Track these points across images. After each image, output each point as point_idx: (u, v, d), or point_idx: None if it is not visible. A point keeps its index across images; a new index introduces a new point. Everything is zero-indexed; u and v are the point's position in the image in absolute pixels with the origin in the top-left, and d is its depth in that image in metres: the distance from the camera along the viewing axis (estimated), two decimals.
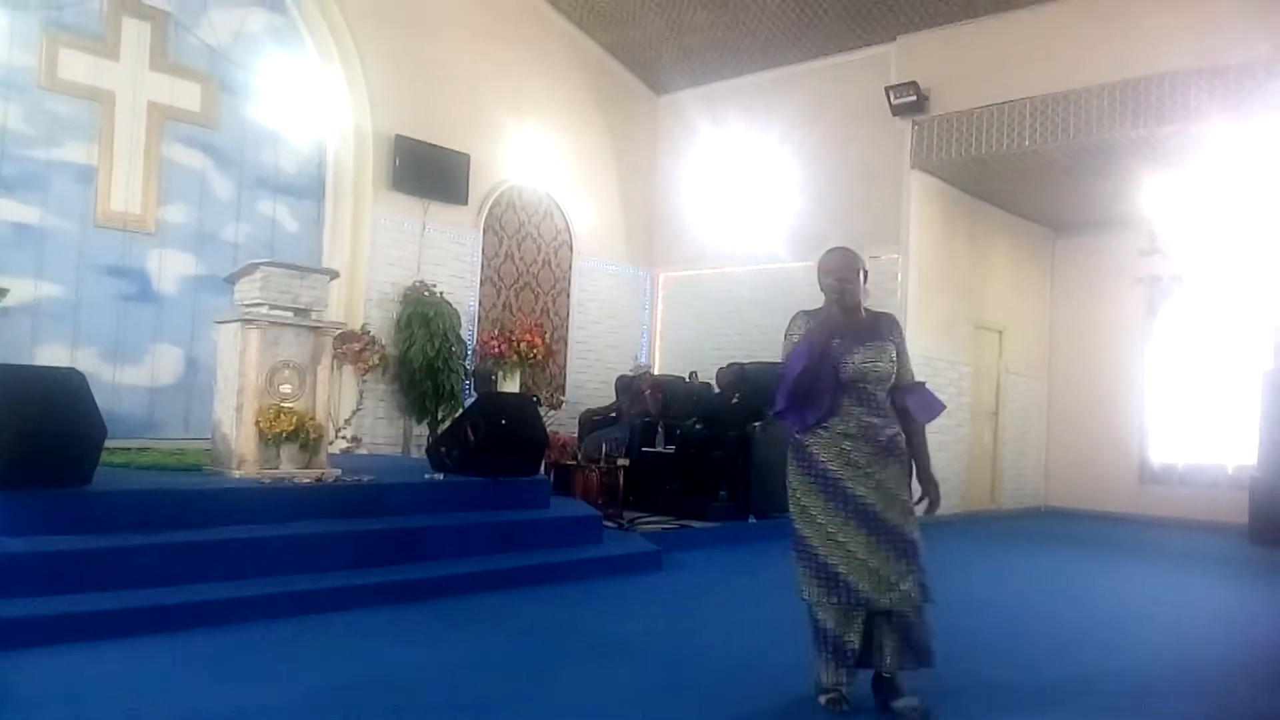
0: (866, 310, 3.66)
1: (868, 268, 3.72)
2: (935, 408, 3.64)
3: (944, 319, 10.83)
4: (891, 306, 10.20)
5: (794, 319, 3.63)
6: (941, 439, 10.77)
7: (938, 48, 10.06)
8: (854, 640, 3.46)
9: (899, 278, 10.29)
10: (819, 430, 3.50)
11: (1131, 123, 8.71)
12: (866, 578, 3.40)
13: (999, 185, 10.91)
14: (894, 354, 3.56)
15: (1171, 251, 11.38)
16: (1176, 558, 8.75)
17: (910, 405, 3.61)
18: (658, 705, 3.62)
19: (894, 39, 10.30)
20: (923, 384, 3.71)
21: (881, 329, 3.62)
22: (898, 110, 10.09)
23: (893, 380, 3.58)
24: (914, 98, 9.95)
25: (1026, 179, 10.54)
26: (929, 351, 10.53)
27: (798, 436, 3.56)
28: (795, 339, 3.56)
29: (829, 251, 3.63)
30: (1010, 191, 11.15)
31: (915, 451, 3.64)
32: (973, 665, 4.28)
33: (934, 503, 3.61)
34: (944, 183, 10.71)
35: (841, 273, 3.58)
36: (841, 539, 3.44)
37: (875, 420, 3.51)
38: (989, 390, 11.89)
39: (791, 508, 3.58)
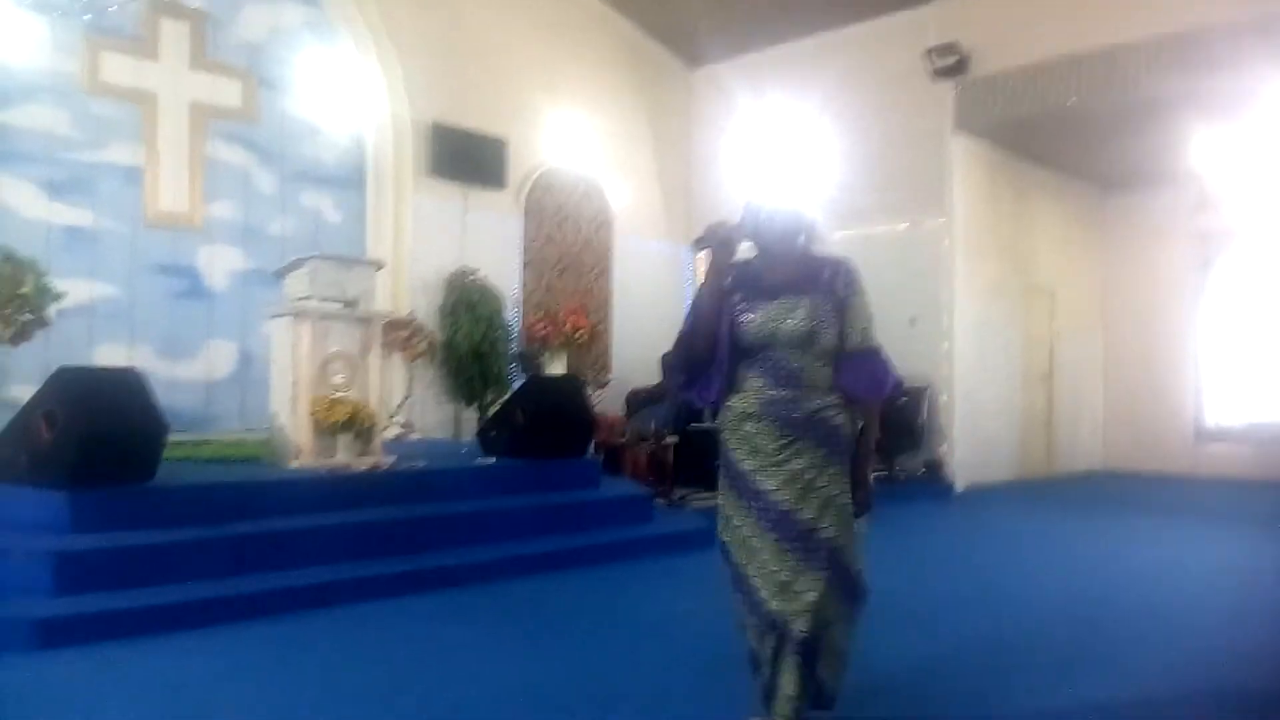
0: (805, 257, 2.91)
1: (815, 223, 2.98)
2: (883, 382, 2.86)
3: (992, 283, 10.69)
4: (937, 273, 10.12)
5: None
6: (994, 406, 10.67)
7: (977, 7, 9.86)
8: (766, 670, 2.86)
9: (945, 243, 10.15)
10: (724, 411, 2.88)
11: (1179, 76, 8.48)
12: (777, 593, 2.72)
13: (1044, 145, 10.70)
14: (817, 310, 2.79)
15: (1223, 206, 11.12)
16: (1235, 518, 8.58)
17: (844, 381, 2.83)
18: (711, 681, 3.63)
19: (931, 0, 10.11)
20: (873, 350, 2.88)
21: (807, 279, 2.85)
22: (939, 73, 9.93)
23: (821, 343, 2.80)
24: (954, 59, 9.77)
25: (1073, 137, 10.33)
26: (978, 317, 10.41)
27: (717, 420, 2.97)
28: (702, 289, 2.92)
29: (753, 197, 2.97)
30: (1056, 150, 10.94)
31: (857, 443, 2.88)
32: (1031, 639, 4.26)
33: (861, 509, 2.87)
34: (988, 144, 10.53)
35: (762, 216, 2.86)
36: (756, 545, 2.77)
37: (783, 393, 2.77)
38: (1041, 353, 11.72)
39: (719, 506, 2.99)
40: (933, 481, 10.00)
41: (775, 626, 2.72)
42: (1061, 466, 11.86)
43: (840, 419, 2.81)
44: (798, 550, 2.71)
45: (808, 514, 2.72)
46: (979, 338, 10.48)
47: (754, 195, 2.95)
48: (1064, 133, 10.16)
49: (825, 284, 2.86)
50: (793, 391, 2.77)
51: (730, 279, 2.87)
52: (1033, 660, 4.02)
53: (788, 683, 2.73)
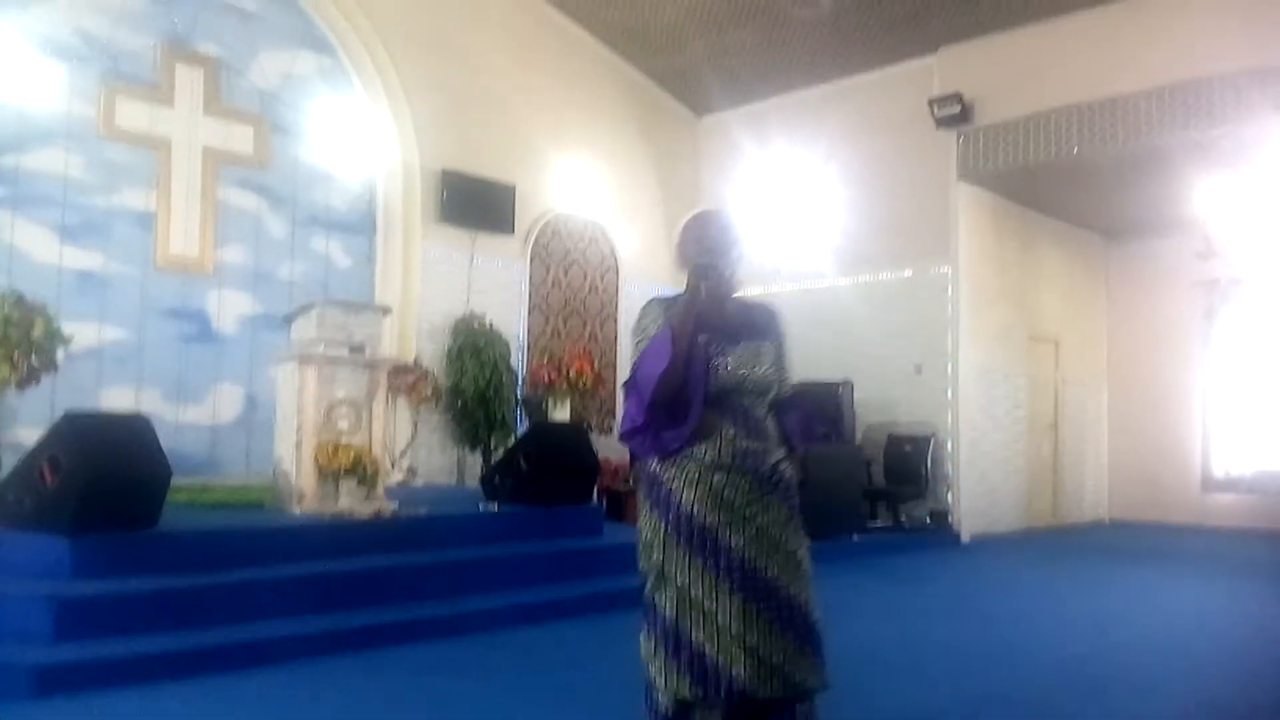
0: (738, 299, 2.81)
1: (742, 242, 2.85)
2: (815, 431, 2.90)
3: (997, 331, 10.70)
4: (942, 320, 10.14)
5: (646, 308, 2.76)
6: (1000, 454, 10.64)
7: (980, 58, 9.99)
8: None
9: (949, 291, 10.19)
10: (681, 460, 2.61)
11: (1182, 125, 8.57)
12: (744, 660, 2.49)
13: (1048, 193, 10.78)
14: (778, 358, 2.75)
15: (1228, 254, 11.16)
16: (1242, 569, 8.51)
17: (792, 425, 2.78)
18: None
19: (935, 50, 10.24)
20: (802, 396, 2.87)
21: (758, 323, 2.78)
22: (942, 122, 10.03)
23: (774, 392, 2.73)
24: (958, 109, 9.88)
25: (1076, 186, 10.41)
26: (983, 364, 10.42)
27: (652, 469, 2.67)
28: (651, 332, 2.67)
29: (696, 215, 2.82)
30: (1060, 199, 11.02)
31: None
32: (1030, 694, 4.21)
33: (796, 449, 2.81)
34: (992, 193, 10.61)
35: (714, 243, 2.73)
36: (709, 607, 2.52)
37: (755, 445, 2.64)
38: (1046, 402, 11.70)
39: (642, 565, 2.66)
40: (938, 531, 9.95)
41: (740, 696, 2.49)
42: (1068, 516, 11.79)
43: (791, 471, 2.74)
44: (768, 609, 2.53)
45: (773, 571, 2.57)
46: (984, 386, 10.48)
47: (703, 209, 2.87)
48: (1067, 181, 10.24)
49: (774, 330, 2.80)
50: (762, 444, 2.66)
51: (666, 315, 2.68)
52: (1026, 717, 3.98)
53: None
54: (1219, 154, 8.96)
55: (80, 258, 7.75)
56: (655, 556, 2.60)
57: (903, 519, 10.04)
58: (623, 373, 11.30)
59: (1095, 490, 12.44)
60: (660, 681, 2.55)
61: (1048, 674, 4.65)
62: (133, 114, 8.03)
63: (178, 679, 4.11)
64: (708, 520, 2.56)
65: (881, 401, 10.49)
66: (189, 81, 8.34)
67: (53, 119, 7.63)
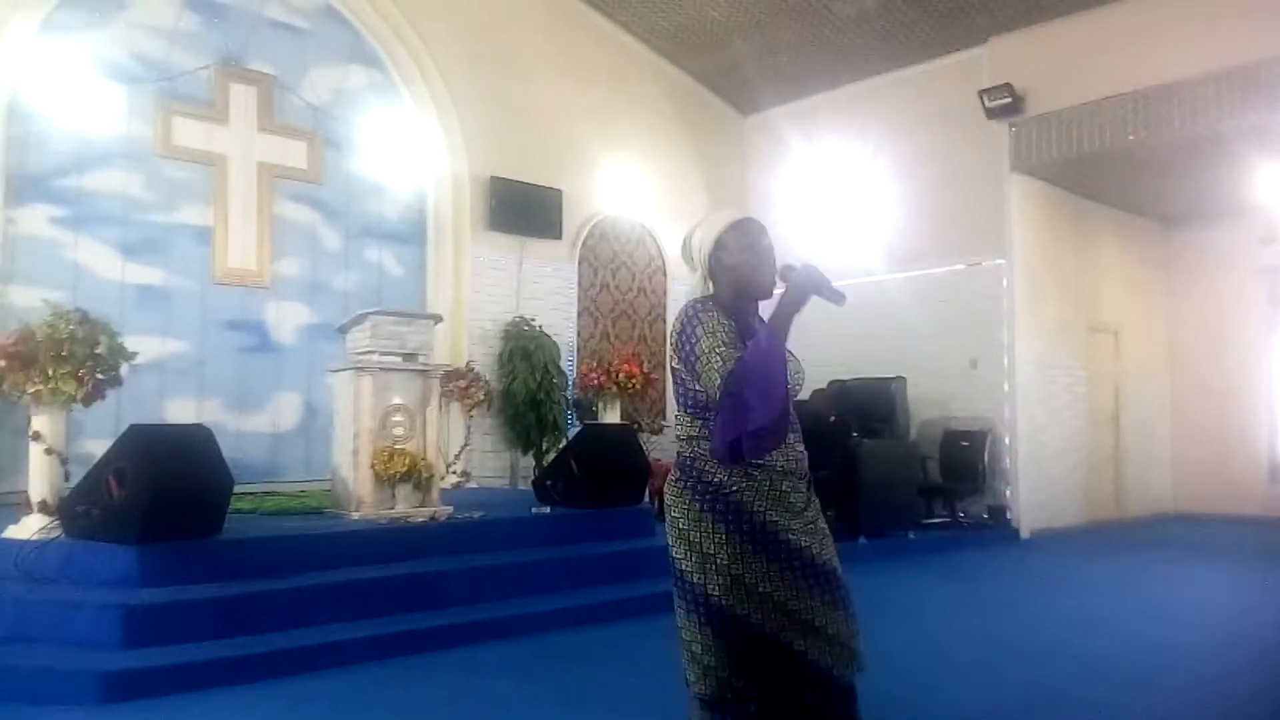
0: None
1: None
2: None
3: (1054, 323, 10.52)
4: (998, 313, 10.02)
5: (697, 309, 2.58)
6: (1059, 448, 10.47)
7: (1030, 47, 9.83)
8: None
9: (1004, 283, 10.05)
10: (750, 469, 2.51)
11: (1239, 110, 8.36)
12: (827, 649, 2.51)
13: (1104, 182, 10.57)
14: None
15: None
16: None
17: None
18: None
19: (985, 41, 10.12)
20: None
21: None
22: (993, 113, 9.90)
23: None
24: (1009, 99, 9.75)
25: (1133, 174, 10.20)
26: (1041, 357, 10.26)
27: (715, 480, 2.53)
28: (721, 335, 2.50)
29: (741, 220, 2.68)
30: (1117, 188, 10.80)
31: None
32: (1092, 692, 4.15)
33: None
34: (1046, 183, 10.44)
35: (765, 250, 2.66)
36: (793, 607, 2.50)
37: (801, 447, 2.64)
38: (1107, 394, 11.47)
39: (709, 580, 2.50)
40: (997, 527, 9.81)
41: (828, 683, 2.51)
42: (1131, 510, 11.55)
43: None
44: (834, 595, 2.55)
45: (827, 556, 2.58)
46: (1042, 379, 10.31)
47: (739, 216, 2.72)
48: (1124, 170, 10.03)
49: None
50: (803, 445, 2.65)
51: (719, 316, 2.56)
52: (1088, 717, 3.92)
53: None
54: (1279, 137, 8.72)
55: (142, 273, 7.98)
56: (732, 571, 2.49)
57: (960, 515, 9.91)
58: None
59: (1159, 482, 12.16)
60: (745, 685, 2.50)
61: (1106, 673, 4.57)
62: (189, 133, 8.24)
63: (242, 684, 4.22)
64: (781, 524, 2.52)
65: (936, 397, 10.38)
66: (243, 99, 8.54)
67: (112, 140, 7.86)
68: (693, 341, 2.51)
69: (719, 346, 2.46)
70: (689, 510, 2.55)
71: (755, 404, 2.39)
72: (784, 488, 2.55)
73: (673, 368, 2.64)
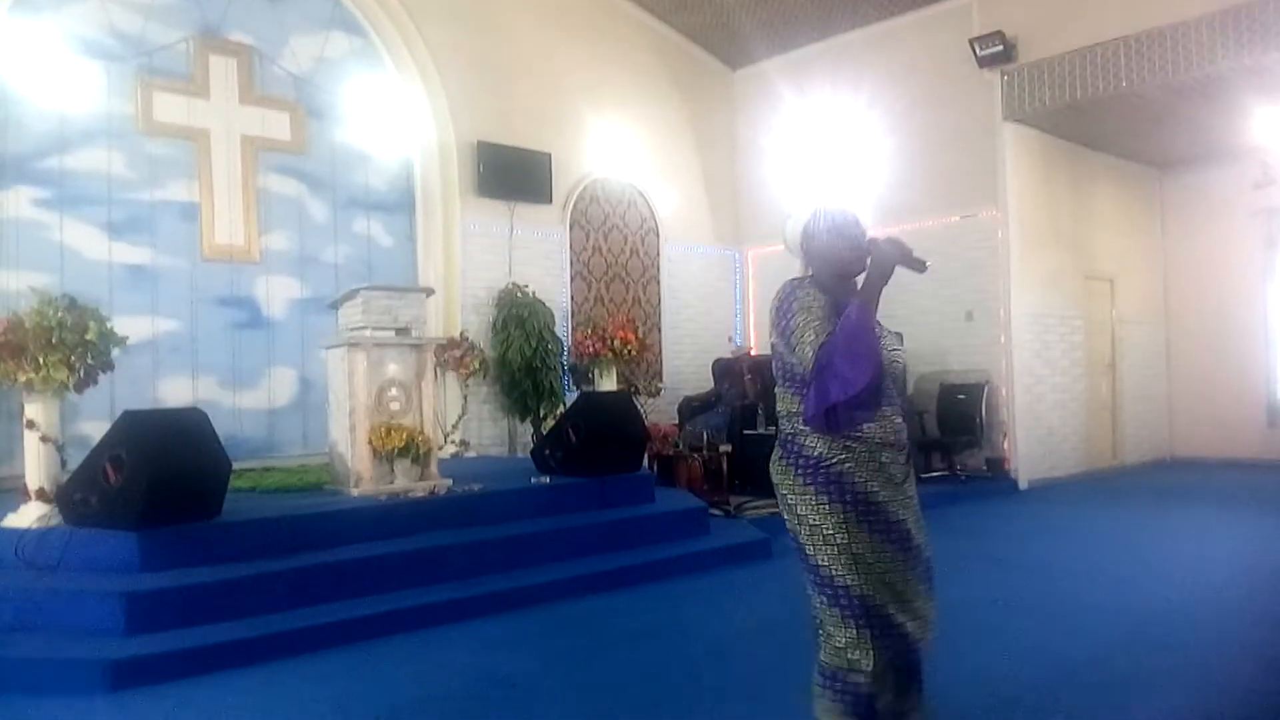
0: None
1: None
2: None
3: (1050, 273, 10.48)
4: (993, 265, 9.99)
5: (794, 286, 2.72)
6: (1056, 398, 10.48)
7: None
8: (889, 698, 2.75)
9: (999, 234, 9.98)
10: (848, 442, 2.63)
11: (1235, 52, 8.24)
12: (914, 622, 2.67)
13: (1098, 129, 10.47)
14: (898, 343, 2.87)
15: None
16: None
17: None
18: (777, 697, 3.63)
19: None
20: None
21: None
22: (984, 62, 9.77)
23: (899, 376, 2.89)
24: (1000, 47, 9.62)
25: (1127, 120, 10.09)
26: (1036, 308, 10.23)
27: (816, 453, 2.65)
28: (816, 310, 2.63)
29: (840, 212, 2.82)
30: (1110, 134, 10.69)
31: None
32: (1092, 651, 4.17)
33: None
34: (1040, 132, 10.33)
35: (851, 231, 2.78)
36: (891, 578, 2.64)
37: (901, 422, 2.75)
38: (1104, 342, 11.46)
39: (819, 550, 2.65)
40: (996, 479, 9.85)
41: (913, 652, 2.70)
42: (1129, 457, 11.59)
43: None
44: (922, 570, 2.72)
45: (920, 534, 2.73)
46: (1038, 329, 10.29)
47: (815, 202, 2.89)
48: (1117, 116, 9.93)
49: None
50: (903, 420, 2.76)
51: (819, 296, 2.68)
52: (1095, 677, 3.94)
53: (916, 699, 2.79)
54: (1275, 79, 8.61)
55: (129, 253, 7.90)
56: (839, 538, 2.62)
57: (958, 468, 9.95)
58: (668, 333, 11.31)
59: (1157, 429, 12.19)
60: (858, 656, 2.59)
61: (1111, 628, 4.61)
62: (170, 108, 8.12)
63: (247, 666, 4.24)
64: (880, 497, 2.64)
65: (932, 351, 10.36)
66: (223, 72, 8.41)
67: (93, 118, 7.74)
68: (789, 316, 2.66)
69: (813, 321, 2.60)
70: (794, 485, 2.70)
71: (847, 372, 2.52)
72: (883, 459, 2.66)
73: (772, 343, 2.81)
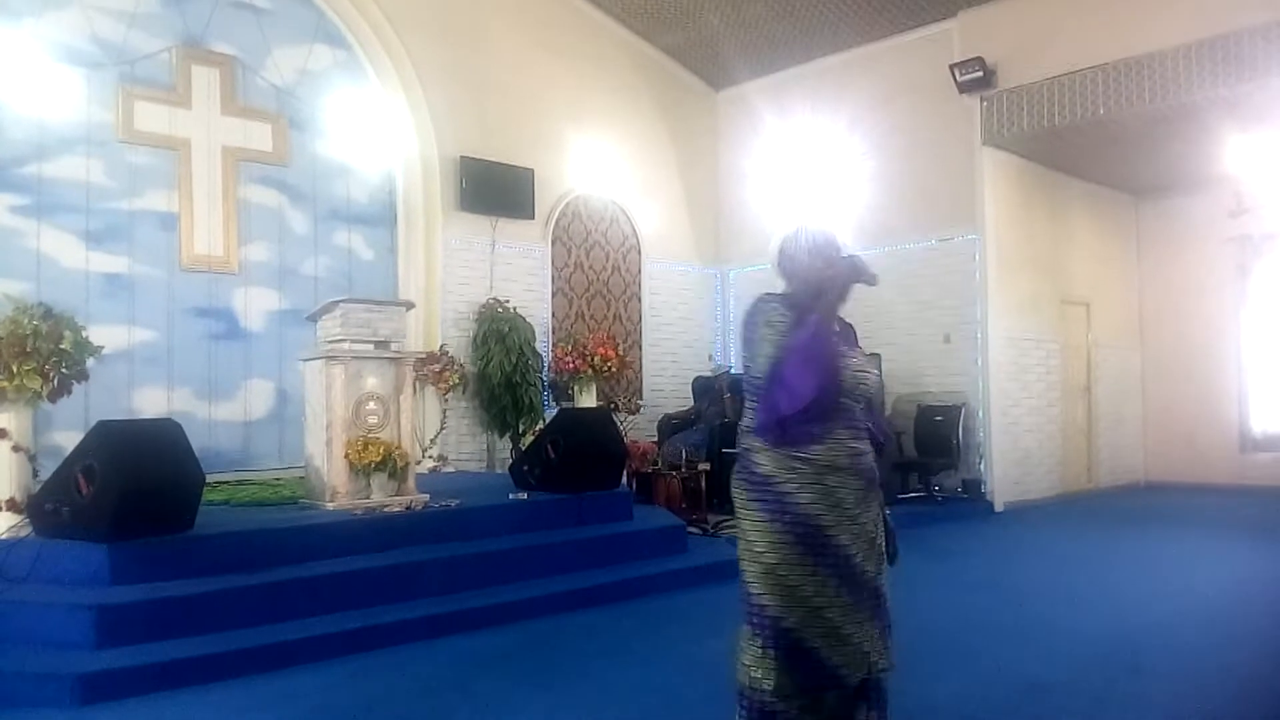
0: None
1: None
2: (888, 432, 3.07)
3: (1027, 297, 10.57)
4: (970, 288, 10.07)
5: (766, 302, 2.74)
6: (1032, 421, 10.55)
7: (1001, 21, 9.80)
8: None
9: (976, 258, 10.07)
10: (794, 460, 2.64)
11: (1210, 82, 8.37)
12: (839, 651, 2.63)
13: (1075, 155, 10.60)
14: (875, 367, 2.97)
15: (1260, 209, 10.94)
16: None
17: (876, 432, 2.87)
18: None
19: (955, 15, 10.07)
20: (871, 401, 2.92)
21: (850, 333, 2.94)
22: (964, 87, 9.88)
23: (871, 400, 2.86)
24: (980, 73, 9.73)
25: (1104, 147, 10.22)
26: (1013, 331, 10.31)
27: (763, 472, 2.68)
28: (781, 326, 2.65)
29: (819, 232, 2.87)
30: (1088, 160, 10.83)
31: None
32: (1065, 674, 4.18)
33: (894, 557, 2.88)
34: (1018, 157, 10.45)
35: (832, 252, 2.81)
36: (817, 603, 2.61)
37: (860, 446, 2.72)
38: (1079, 366, 11.56)
39: (747, 566, 2.70)
40: (972, 500, 9.90)
41: (835, 686, 2.67)
42: (1103, 481, 11.68)
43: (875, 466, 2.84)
44: (863, 601, 2.67)
45: (870, 565, 2.70)
46: (1015, 353, 10.37)
47: (796, 221, 2.95)
48: (1095, 143, 10.05)
49: (855, 342, 2.93)
50: (864, 444, 2.75)
51: (792, 313, 2.68)
52: (1065, 702, 3.96)
53: None
54: (1249, 109, 8.76)
55: (106, 262, 7.84)
56: (766, 558, 2.64)
57: (935, 490, 9.99)
58: (649, 350, 11.32)
59: (1131, 453, 12.30)
60: (759, 675, 2.62)
61: (1083, 652, 4.63)
62: (151, 117, 8.08)
63: (218, 681, 4.19)
64: (822, 521, 2.63)
65: (910, 372, 10.42)
66: (205, 82, 8.38)
67: (72, 126, 7.70)
68: (752, 329, 2.71)
69: (773, 335, 2.64)
70: (743, 500, 2.75)
71: (795, 384, 2.56)
72: (830, 483, 2.64)
73: (742, 358, 2.85)
